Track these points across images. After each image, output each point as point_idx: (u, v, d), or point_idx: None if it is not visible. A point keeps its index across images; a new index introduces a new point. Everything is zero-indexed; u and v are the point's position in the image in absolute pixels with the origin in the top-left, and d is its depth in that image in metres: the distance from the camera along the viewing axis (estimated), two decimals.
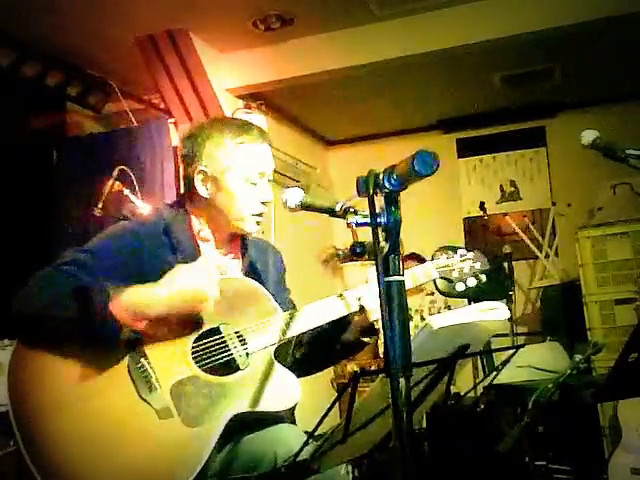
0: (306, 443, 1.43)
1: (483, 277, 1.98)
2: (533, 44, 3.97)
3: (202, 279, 1.63)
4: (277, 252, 2.11)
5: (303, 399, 1.76)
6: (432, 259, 1.98)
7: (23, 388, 1.61)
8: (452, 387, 1.61)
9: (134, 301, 1.59)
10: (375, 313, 1.81)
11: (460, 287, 1.96)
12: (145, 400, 1.62)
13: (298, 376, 1.91)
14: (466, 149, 5.67)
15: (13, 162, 3.78)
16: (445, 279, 1.97)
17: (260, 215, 1.88)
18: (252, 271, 1.91)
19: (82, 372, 1.62)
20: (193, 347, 1.70)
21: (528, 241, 5.17)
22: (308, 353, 1.97)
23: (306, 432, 1.46)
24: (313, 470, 1.48)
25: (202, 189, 1.85)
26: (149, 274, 1.69)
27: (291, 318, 1.77)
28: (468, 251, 1.99)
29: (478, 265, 1.98)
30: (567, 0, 3.71)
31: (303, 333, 1.83)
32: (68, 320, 1.59)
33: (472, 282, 1.97)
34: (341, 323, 1.88)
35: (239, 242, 1.96)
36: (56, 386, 1.61)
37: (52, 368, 1.62)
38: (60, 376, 1.62)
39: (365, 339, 1.91)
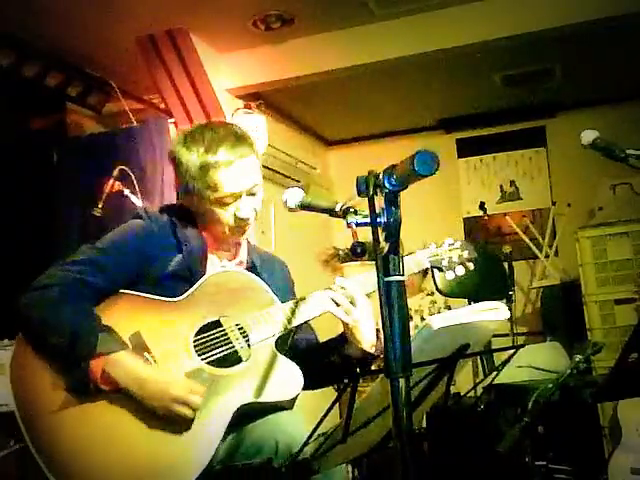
0: (306, 443, 1.43)
1: (471, 265, 1.99)
2: (533, 44, 3.97)
3: (184, 390, 1.61)
4: (284, 264, 2.10)
5: (303, 399, 1.76)
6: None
7: (27, 389, 1.63)
8: (452, 387, 1.61)
9: (112, 364, 1.60)
10: (348, 311, 1.79)
11: (450, 275, 1.97)
12: None
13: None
14: (466, 149, 5.66)
15: (13, 162, 3.78)
16: (436, 268, 1.97)
17: (243, 225, 1.84)
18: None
19: None
20: (195, 340, 1.71)
21: (528, 241, 5.16)
22: (309, 367, 1.92)
23: (318, 435, 1.45)
24: (313, 470, 1.48)
25: (186, 202, 1.88)
26: (156, 273, 1.75)
27: (290, 309, 1.78)
28: (455, 240, 2.00)
29: (466, 254, 1.99)
30: (567, 0, 3.71)
31: (299, 328, 1.83)
32: (54, 346, 1.63)
33: (461, 271, 1.97)
34: (339, 339, 1.88)
35: (244, 249, 1.96)
36: (60, 386, 1.62)
37: (54, 368, 1.64)
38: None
39: (369, 350, 1.83)
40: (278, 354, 1.74)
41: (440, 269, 1.96)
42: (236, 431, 1.73)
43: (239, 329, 1.75)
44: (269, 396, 1.69)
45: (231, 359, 1.73)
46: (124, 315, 1.72)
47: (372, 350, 1.84)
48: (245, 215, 1.82)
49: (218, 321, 1.75)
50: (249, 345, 1.73)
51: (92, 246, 1.76)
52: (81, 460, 1.58)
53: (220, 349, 1.72)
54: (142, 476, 1.59)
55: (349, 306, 1.79)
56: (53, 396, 1.61)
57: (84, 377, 1.59)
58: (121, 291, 1.74)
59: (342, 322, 1.82)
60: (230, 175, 1.79)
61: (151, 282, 1.75)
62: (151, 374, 1.62)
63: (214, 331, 1.73)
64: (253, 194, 1.84)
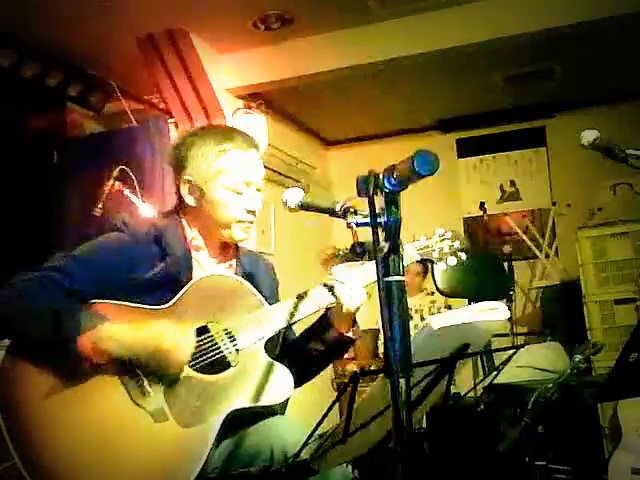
0: (306, 443, 1.43)
1: (463, 255, 2.00)
2: (533, 44, 3.97)
3: (175, 339, 1.61)
4: (269, 264, 2.09)
5: (303, 399, 1.76)
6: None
7: (14, 402, 1.61)
8: (452, 387, 1.61)
9: (100, 336, 1.58)
10: (348, 304, 1.81)
11: (441, 266, 1.98)
12: (139, 405, 1.62)
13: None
14: (466, 149, 5.67)
15: (13, 162, 3.78)
16: (427, 260, 1.98)
17: (249, 222, 1.85)
18: (247, 280, 1.88)
19: (73, 382, 1.61)
20: None
21: (528, 241, 5.17)
22: (293, 360, 1.92)
23: (317, 435, 1.45)
24: (313, 470, 1.48)
25: (189, 198, 1.85)
26: (136, 284, 1.72)
27: (277, 311, 1.77)
28: (446, 231, 2.02)
29: (457, 244, 2.00)
30: (567, 0, 3.71)
31: (288, 328, 1.83)
32: (38, 333, 1.60)
33: (452, 261, 1.99)
34: (320, 325, 1.89)
35: (233, 252, 1.95)
36: (48, 398, 1.60)
37: (42, 380, 1.61)
38: (51, 388, 1.61)
39: (348, 334, 1.87)
40: (267, 357, 1.73)
41: (431, 261, 1.98)
42: (231, 437, 1.72)
43: (227, 334, 1.73)
44: (259, 400, 1.68)
45: (220, 365, 1.71)
46: None
47: (350, 334, 1.87)
48: (254, 207, 1.84)
49: (206, 327, 1.73)
50: (237, 350, 1.72)
51: (66, 254, 1.74)
52: (74, 474, 1.56)
53: (208, 355, 1.71)
54: None
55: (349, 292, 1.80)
56: (44, 411, 1.59)
57: (76, 356, 1.57)
58: (105, 302, 1.71)
59: (337, 305, 1.82)
60: (246, 160, 1.83)
61: (133, 291, 1.73)
62: (139, 334, 1.61)
63: (202, 337, 1.71)
64: (259, 190, 1.87)
